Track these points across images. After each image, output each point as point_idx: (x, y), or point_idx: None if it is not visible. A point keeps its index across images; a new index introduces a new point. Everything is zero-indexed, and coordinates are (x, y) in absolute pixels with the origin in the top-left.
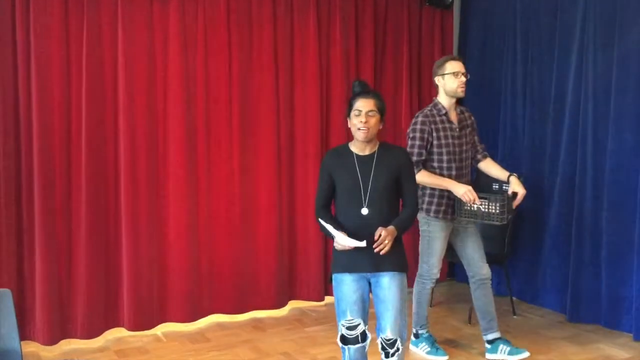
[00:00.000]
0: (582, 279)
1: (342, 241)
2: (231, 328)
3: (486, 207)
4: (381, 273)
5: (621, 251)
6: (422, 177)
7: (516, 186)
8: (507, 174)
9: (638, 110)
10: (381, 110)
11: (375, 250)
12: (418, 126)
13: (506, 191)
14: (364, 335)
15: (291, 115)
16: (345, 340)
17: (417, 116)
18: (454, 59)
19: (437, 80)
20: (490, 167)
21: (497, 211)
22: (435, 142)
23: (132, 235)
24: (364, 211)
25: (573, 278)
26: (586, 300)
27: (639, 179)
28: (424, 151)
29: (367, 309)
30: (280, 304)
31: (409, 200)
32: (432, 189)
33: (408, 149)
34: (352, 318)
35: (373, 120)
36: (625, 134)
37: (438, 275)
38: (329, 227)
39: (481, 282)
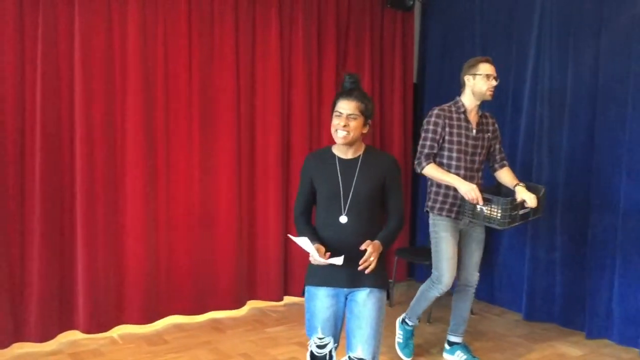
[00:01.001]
0: (537, 278)
1: (318, 259)
2: (189, 329)
3: (489, 209)
4: (358, 289)
5: (575, 251)
6: (430, 170)
7: (523, 195)
8: (515, 182)
9: (592, 111)
10: (365, 113)
11: (360, 268)
12: (432, 119)
13: (513, 198)
14: (330, 357)
15: (252, 117)
16: (314, 357)
17: (434, 109)
18: (487, 61)
19: (467, 79)
20: (503, 176)
21: (498, 215)
22: (447, 138)
23: (88, 236)
24: (343, 219)
25: (529, 278)
26: (541, 300)
27: (592, 180)
28: (435, 144)
29: (340, 327)
30: (239, 304)
31: (394, 212)
32: (439, 186)
33: (420, 141)
34: (322, 336)
35: (354, 124)
36: (579, 134)
37: (448, 285)
38: (302, 243)
39: (466, 287)
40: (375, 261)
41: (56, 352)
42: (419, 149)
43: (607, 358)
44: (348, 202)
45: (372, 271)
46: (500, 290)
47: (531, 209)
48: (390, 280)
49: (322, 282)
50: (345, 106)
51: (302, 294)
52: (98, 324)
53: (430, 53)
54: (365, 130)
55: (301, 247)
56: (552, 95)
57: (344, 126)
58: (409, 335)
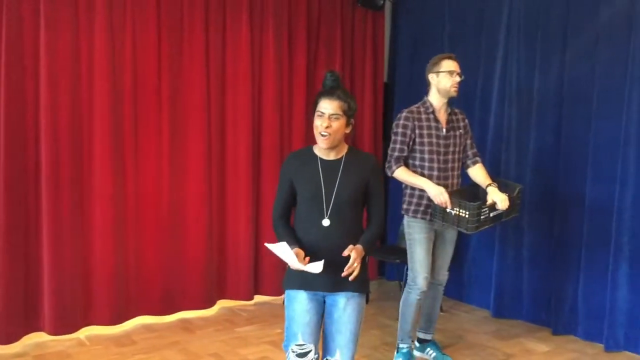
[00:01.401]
0: (505, 276)
1: (296, 265)
2: (158, 330)
3: (458, 213)
4: (339, 293)
5: (541, 249)
6: (400, 173)
7: (494, 196)
8: (487, 182)
9: (559, 112)
10: (349, 113)
11: (344, 274)
12: (401, 121)
13: (481, 202)
14: None
15: (222, 116)
16: None
17: (402, 112)
18: (450, 57)
19: (431, 77)
20: (476, 174)
21: (467, 219)
22: (417, 140)
23: (54, 236)
24: (325, 222)
25: (497, 275)
26: (509, 297)
27: (558, 180)
28: (405, 147)
29: (319, 333)
30: (209, 304)
31: (375, 215)
32: (412, 188)
33: (390, 144)
34: (303, 343)
35: (336, 125)
36: (546, 135)
37: (424, 286)
38: (280, 250)
39: (434, 286)
40: (359, 267)
41: (21, 354)
42: (389, 152)
43: (573, 353)
44: (331, 205)
45: (348, 276)
46: (469, 288)
47: (503, 210)
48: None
49: (303, 285)
50: (328, 106)
51: (283, 303)
52: (64, 325)
53: (401, 52)
54: (348, 130)
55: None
56: (520, 96)
57: (327, 127)
58: (408, 357)
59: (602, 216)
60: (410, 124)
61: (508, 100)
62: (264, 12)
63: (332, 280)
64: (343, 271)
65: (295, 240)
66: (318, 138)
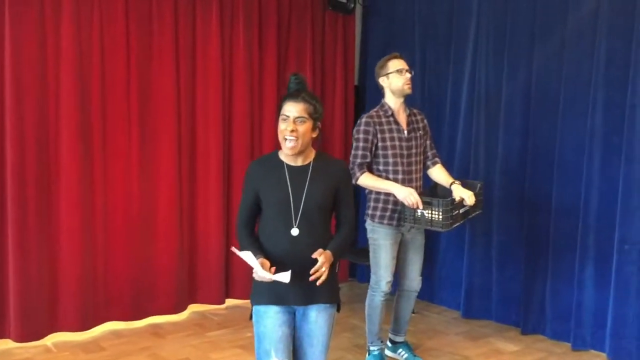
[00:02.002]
0: (474, 277)
1: (262, 274)
2: (128, 335)
3: (430, 212)
4: (310, 306)
5: (509, 250)
6: (365, 180)
7: (460, 193)
8: (450, 180)
9: (526, 115)
10: (315, 116)
11: (311, 279)
12: (362, 127)
13: (452, 198)
14: None
15: (192, 118)
16: None
17: (362, 117)
18: (395, 57)
19: (382, 81)
20: (437, 174)
21: (440, 218)
22: (380, 144)
23: (19, 240)
24: (294, 232)
25: (467, 276)
26: (479, 298)
27: (526, 182)
28: (368, 153)
29: (292, 347)
30: (179, 309)
31: (345, 221)
32: (377, 193)
33: (352, 151)
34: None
35: (302, 129)
36: (514, 138)
37: (387, 288)
38: (246, 257)
39: (409, 293)
40: (327, 272)
41: None
42: (351, 159)
43: (541, 353)
44: (299, 213)
45: (324, 284)
46: (440, 290)
47: (470, 206)
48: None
49: (273, 300)
50: (292, 109)
51: (249, 318)
52: (30, 332)
53: (372, 56)
54: (315, 134)
55: (245, 261)
56: (488, 100)
57: (292, 131)
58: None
59: (569, 217)
60: (371, 129)
61: (477, 104)
62: (233, 16)
63: (303, 293)
64: (312, 283)
65: (259, 250)
66: (283, 143)
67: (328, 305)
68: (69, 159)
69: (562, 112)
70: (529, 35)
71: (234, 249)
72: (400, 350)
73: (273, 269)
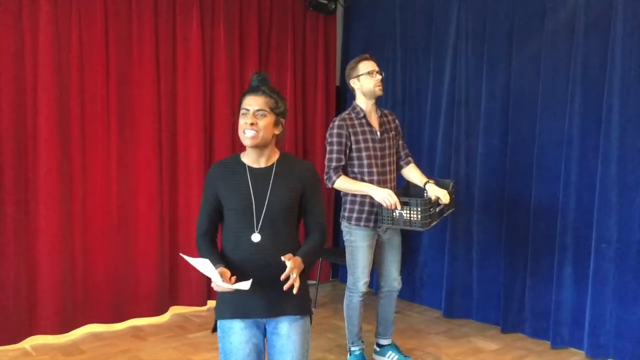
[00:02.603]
0: (455, 276)
1: (221, 284)
2: (108, 338)
3: (407, 213)
4: (280, 318)
5: (489, 250)
6: (341, 183)
7: (436, 192)
8: (424, 180)
9: (505, 116)
10: (277, 111)
11: (285, 287)
12: (335, 130)
13: (429, 197)
14: None
15: (173, 116)
16: None
17: (334, 120)
18: (366, 58)
19: (353, 83)
20: (411, 174)
21: (419, 217)
22: (354, 147)
23: None
24: (256, 237)
25: (447, 276)
26: (459, 297)
27: (506, 182)
28: (342, 156)
29: None
30: (160, 311)
31: (314, 227)
32: (353, 195)
33: (327, 155)
34: None
35: (263, 122)
36: (493, 138)
37: (364, 289)
38: (201, 265)
39: (390, 293)
40: (298, 278)
41: None
42: (326, 163)
43: (521, 351)
44: (261, 218)
45: (291, 294)
46: (421, 289)
47: (445, 204)
48: (313, 282)
49: (237, 313)
50: (252, 102)
51: (213, 331)
52: (8, 335)
53: (353, 56)
54: (277, 131)
55: (201, 271)
56: (468, 101)
57: (251, 124)
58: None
59: (547, 217)
60: (344, 132)
61: (457, 105)
62: (214, 17)
63: (269, 304)
64: (279, 292)
65: (219, 259)
66: (242, 138)
67: (299, 316)
68: (47, 160)
69: (541, 113)
70: (507, 38)
71: (183, 255)
72: (389, 352)
73: (233, 278)
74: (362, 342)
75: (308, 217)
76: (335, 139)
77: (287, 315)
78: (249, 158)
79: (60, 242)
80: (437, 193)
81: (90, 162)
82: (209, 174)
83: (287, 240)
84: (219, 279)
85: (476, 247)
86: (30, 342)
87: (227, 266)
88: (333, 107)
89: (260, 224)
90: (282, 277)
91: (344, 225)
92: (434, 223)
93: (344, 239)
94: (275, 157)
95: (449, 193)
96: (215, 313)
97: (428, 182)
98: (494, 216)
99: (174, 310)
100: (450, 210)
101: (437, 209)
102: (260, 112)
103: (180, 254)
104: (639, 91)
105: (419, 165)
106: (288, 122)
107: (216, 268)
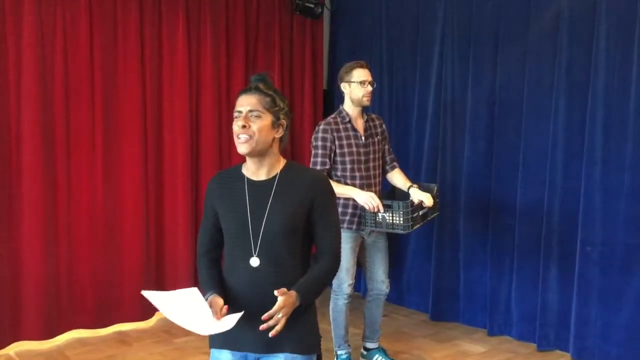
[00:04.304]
0: (442, 279)
1: (203, 323)
2: (93, 343)
3: (390, 215)
4: (276, 355)
5: (476, 252)
6: None
7: (419, 195)
8: (408, 184)
9: (491, 119)
10: (274, 110)
11: (262, 328)
12: (320, 134)
13: (411, 200)
14: None
15: (159, 120)
16: None
17: (320, 124)
18: (361, 66)
19: (344, 87)
20: (395, 178)
21: (401, 220)
22: (338, 151)
23: None
24: (254, 262)
25: (434, 279)
26: (446, 300)
27: (491, 186)
28: (327, 160)
29: None
30: (146, 316)
31: (325, 248)
32: (337, 198)
33: (312, 159)
34: None
35: (257, 125)
36: (479, 142)
37: (349, 291)
38: (176, 298)
39: (378, 296)
40: (284, 319)
41: None
42: (311, 166)
43: (507, 353)
44: (259, 239)
45: (291, 328)
46: (408, 293)
47: (429, 208)
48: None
49: (226, 343)
50: (244, 102)
51: None
52: None
53: (340, 60)
54: (278, 134)
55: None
56: (454, 104)
57: (243, 127)
58: None
59: (532, 220)
60: (329, 135)
61: (443, 108)
62: (200, 20)
63: (261, 338)
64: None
65: (216, 284)
66: (237, 145)
67: (299, 356)
68: (31, 163)
69: (526, 116)
70: (493, 41)
71: (144, 293)
72: (376, 356)
73: (225, 308)
74: (349, 345)
75: (317, 236)
76: (320, 143)
77: (285, 353)
78: (249, 169)
79: (45, 247)
80: (421, 196)
81: (75, 167)
82: (208, 188)
83: (290, 265)
84: (207, 313)
85: (462, 250)
86: (15, 349)
87: (225, 294)
88: (320, 111)
89: (258, 247)
90: (264, 316)
91: None
92: (417, 226)
93: None
94: (279, 167)
95: (433, 197)
96: (209, 338)
97: (412, 186)
98: (480, 220)
99: (160, 315)
100: (435, 214)
101: (421, 212)
102: (254, 113)
103: (142, 292)
104: (623, 95)
105: (406, 168)
106: None
107: (208, 296)
